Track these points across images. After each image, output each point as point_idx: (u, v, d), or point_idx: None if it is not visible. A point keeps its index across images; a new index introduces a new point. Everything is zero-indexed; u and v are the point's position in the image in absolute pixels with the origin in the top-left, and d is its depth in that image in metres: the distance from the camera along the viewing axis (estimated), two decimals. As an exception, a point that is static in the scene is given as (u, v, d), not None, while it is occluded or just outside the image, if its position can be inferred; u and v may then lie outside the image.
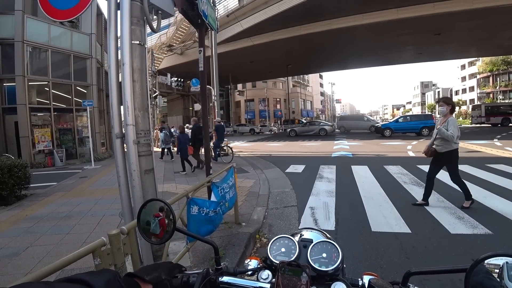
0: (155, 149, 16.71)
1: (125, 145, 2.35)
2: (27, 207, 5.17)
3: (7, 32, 10.83)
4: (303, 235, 0.87)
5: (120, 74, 2.38)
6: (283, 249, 0.78)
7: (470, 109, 38.39)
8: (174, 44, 23.48)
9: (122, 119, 2.38)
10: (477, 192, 4.89)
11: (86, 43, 13.48)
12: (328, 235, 0.88)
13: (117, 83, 2.37)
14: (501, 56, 43.49)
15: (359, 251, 2.97)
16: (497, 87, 48.31)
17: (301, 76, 56.29)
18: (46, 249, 3.24)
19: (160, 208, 0.78)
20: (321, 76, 73.44)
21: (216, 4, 15.73)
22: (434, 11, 16.68)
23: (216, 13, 15.07)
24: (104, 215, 4.46)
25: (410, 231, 3.38)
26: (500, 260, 0.61)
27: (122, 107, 2.36)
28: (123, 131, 2.30)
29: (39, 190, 6.64)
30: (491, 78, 50.60)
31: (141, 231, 0.76)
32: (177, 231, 0.76)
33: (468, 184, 5.44)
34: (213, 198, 2.64)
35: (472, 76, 56.87)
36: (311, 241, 0.79)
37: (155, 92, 19.13)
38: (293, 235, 0.85)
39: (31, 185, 6.34)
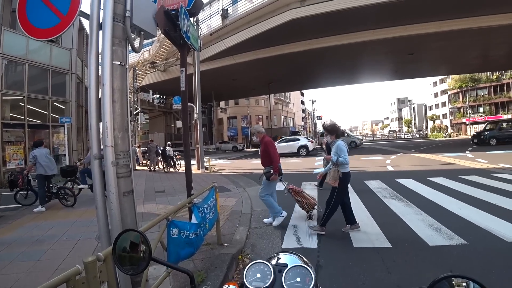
0: (138, 167, 16.32)
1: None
2: (-6, 232, 4.84)
3: (-18, 46, 10.50)
4: (280, 258, 0.88)
5: (100, 94, 2.36)
6: (258, 275, 0.79)
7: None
8: (157, 61, 23.49)
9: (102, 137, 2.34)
10: (452, 203, 5.10)
11: (66, 58, 13.24)
12: (304, 258, 0.90)
13: (96, 104, 2.34)
14: (468, 74, 46.74)
15: (342, 268, 2.98)
16: (467, 102, 51.53)
17: (283, 93, 57.45)
18: (14, 278, 3.02)
19: (137, 237, 0.78)
20: (302, 94, 75.28)
21: (200, 23, 16.06)
22: (406, 33, 17.84)
23: (200, 31, 15.38)
24: (79, 238, 4.24)
25: (390, 246, 3.44)
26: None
27: (101, 127, 2.32)
28: (102, 152, 2.26)
29: (8, 212, 6.25)
30: (460, 94, 54.01)
31: (117, 263, 0.75)
32: (153, 260, 0.76)
33: (443, 195, 5.73)
34: (193, 220, 2.59)
35: (444, 92, 60.46)
36: (286, 265, 0.81)
37: (136, 109, 18.87)
38: (270, 259, 0.87)
39: (0, 207, 5.97)
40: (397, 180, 7.72)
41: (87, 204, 6.65)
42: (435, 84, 64.44)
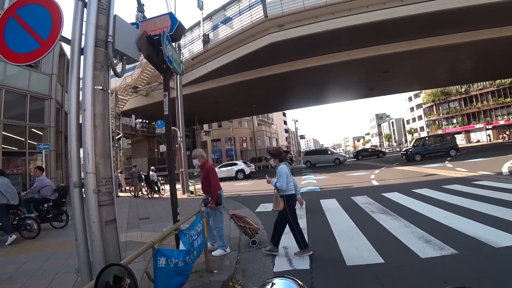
0: (120, 194, 15.72)
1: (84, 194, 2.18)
2: (-40, 273, 4.40)
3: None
4: (274, 284, 0.84)
5: (81, 120, 2.29)
6: None
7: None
8: (139, 86, 23.38)
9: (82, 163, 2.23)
10: (438, 214, 5.19)
11: (45, 83, 12.88)
12: (299, 282, 0.86)
13: (77, 129, 2.26)
14: (439, 88, 49.67)
15: (337, 288, 2.90)
16: (441, 115, 54.35)
17: (266, 114, 58.19)
18: (-19, 326, 2.73)
19: (121, 271, 0.72)
20: (284, 114, 76.71)
21: (182, 48, 16.32)
22: (379, 52, 18.91)
23: (182, 56, 15.59)
24: (57, 273, 3.92)
25: (383, 261, 3.40)
26: None
27: (81, 154, 2.23)
28: (82, 180, 2.15)
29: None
30: (434, 107, 57.03)
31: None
32: None
33: (429, 206, 5.83)
34: (181, 246, 2.46)
35: (419, 106, 63.59)
36: None
37: (118, 134, 18.47)
38: (264, 285, 0.83)
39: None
40: (383, 194, 7.80)
41: (62, 235, 6.25)
42: (410, 99, 67.74)
